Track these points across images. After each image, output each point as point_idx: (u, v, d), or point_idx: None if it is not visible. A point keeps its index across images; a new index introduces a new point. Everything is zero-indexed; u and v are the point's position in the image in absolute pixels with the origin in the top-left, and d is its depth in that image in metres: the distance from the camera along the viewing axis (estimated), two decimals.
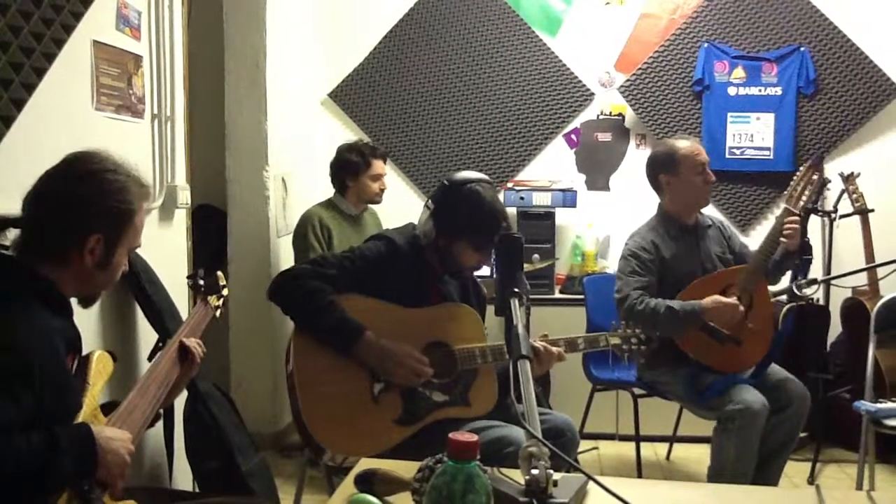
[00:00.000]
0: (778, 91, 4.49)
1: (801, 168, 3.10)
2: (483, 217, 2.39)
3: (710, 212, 4.36)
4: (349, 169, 3.83)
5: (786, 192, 3.08)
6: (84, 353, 1.76)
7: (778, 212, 3.13)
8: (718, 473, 2.94)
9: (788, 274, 3.18)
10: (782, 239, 3.00)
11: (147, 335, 2.67)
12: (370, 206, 3.99)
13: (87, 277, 1.68)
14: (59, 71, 2.23)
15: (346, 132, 4.71)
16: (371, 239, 2.56)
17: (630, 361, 2.70)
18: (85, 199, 1.64)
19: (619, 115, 4.68)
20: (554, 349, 2.41)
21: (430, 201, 2.48)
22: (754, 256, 3.09)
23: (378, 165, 3.85)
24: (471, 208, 2.39)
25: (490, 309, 1.95)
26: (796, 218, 3.00)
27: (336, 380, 2.28)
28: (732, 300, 2.96)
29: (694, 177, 3.11)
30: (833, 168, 4.37)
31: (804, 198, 3.04)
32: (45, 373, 1.50)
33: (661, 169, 3.16)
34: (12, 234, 1.68)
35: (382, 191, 3.89)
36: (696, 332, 3.00)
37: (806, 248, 3.06)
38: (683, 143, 3.15)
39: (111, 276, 1.73)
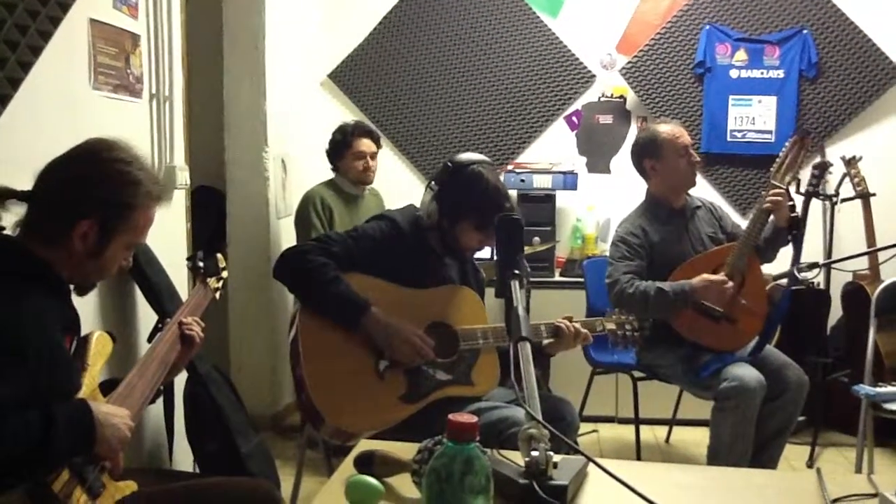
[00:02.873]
0: (780, 74, 4.46)
1: (787, 143, 3.10)
2: (487, 198, 2.39)
3: (710, 193, 4.39)
4: (333, 149, 3.83)
5: (773, 167, 3.08)
6: (83, 334, 1.76)
7: None
8: (717, 453, 2.96)
9: (790, 260, 3.18)
10: (770, 214, 3.02)
11: (146, 316, 2.67)
12: (372, 187, 3.98)
13: (78, 264, 1.65)
14: (56, 49, 2.21)
15: (345, 113, 4.68)
16: (374, 219, 2.56)
17: (624, 348, 2.72)
18: (85, 182, 1.63)
19: (621, 97, 4.66)
20: (582, 329, 2.46)
21: (433, 182, 2.48)
22: (743, 233, 3.11)
23: (362, 143, 3.80)
24: (474, 189, 2.40)
25: (489, 291, 1.95)
26: (780, 190, 3.01)
27: (342, 355, 2.28)
28: (721, 276, 2.99)
29: (678, 159, 3.15)
30: (835, 152, 4.35)
31: (791, 172, 3.05)
32: (40, 353, 1.50)
33: (645, 154, 3.20)
34: (13, 209, 1.66)
35: (367, 169, 3.82)
36: (690, 313, 3.03)
37: (796, 223, 3.07)
38: (665, 128, 3.20)
39: (104, 268, 1.70)
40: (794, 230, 3.08)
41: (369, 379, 2.29)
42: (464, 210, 2.42)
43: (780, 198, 3.00)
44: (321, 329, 2.29)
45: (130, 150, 1.70)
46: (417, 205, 2.56)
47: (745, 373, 2.89)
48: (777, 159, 3.09)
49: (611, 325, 2.64)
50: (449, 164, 2.48)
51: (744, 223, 3.40)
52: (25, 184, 1.65)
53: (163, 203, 1.78)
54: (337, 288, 2.29)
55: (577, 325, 2.48)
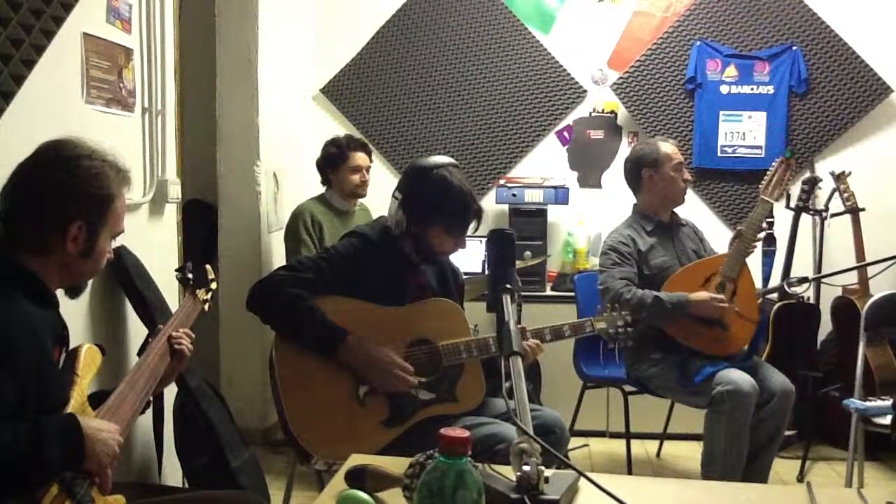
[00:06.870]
0: (770, 90, 4.49)
1: (774, 162, 3.27)
2: (453, 200, 2.38)
3: (701, 208, 4.43)
4: (329, 162, 3.84)
5: (761, 185, 3.23)
6: (72, 346, 1.75)
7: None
8: (711, 459, 2.99)
9: (780, 273, 3.23)
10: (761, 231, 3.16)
11: (136, 329, 2.66)
12: (361, 202, 3.99)
13: (72, 266, 1.67)
14: (49, 63, 2.20)
15: (337, 128, 4.68)
16: (344, 237, 2.55)
17: (618, 344, 2.70)
18: (61, 188, 1.63)
19: (612, 112, 4.68)
20: (532, 342, 2.42)
21: (396, 192, 2.46)
22: (736, 243, 3.18)
23: (357, 157, 3.83)
24: (440, 193, 2.38)
25: (480, 303, 1.94)
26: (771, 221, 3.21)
27: (321, 384, 2.27)
28: (720, 295, 3.08)
29: (674, 174, 3.29)
30: (824, 167, 4.38)
31: (779, 189, 3.21)
32: (28, 363, 1.49)
33: (645, 163, 3.32)
34: None
35: (364, 183, 3.86)
36: (683, 318, 3.10)
37: (769, 240, 3.19)
38: (665, 145, 3.36)
39: (96, 264, 1.71)
40: (767, 246, 3.21)
41: (350, 406, 2.28)
42: (432, 215, 2.40)
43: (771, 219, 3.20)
44: (300, 358, 2.28)
45: (84, 143, 1.69)
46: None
47: (739, 377, 2.93)
48: (765, 176, 3.23)
49: (601, 325, 2.62)
50: (411, 170, 2.47)
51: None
52: None
53: (129, 182, 1.77)
54: (311, 320, 2.27)
55: (534, 342, 2.44)
